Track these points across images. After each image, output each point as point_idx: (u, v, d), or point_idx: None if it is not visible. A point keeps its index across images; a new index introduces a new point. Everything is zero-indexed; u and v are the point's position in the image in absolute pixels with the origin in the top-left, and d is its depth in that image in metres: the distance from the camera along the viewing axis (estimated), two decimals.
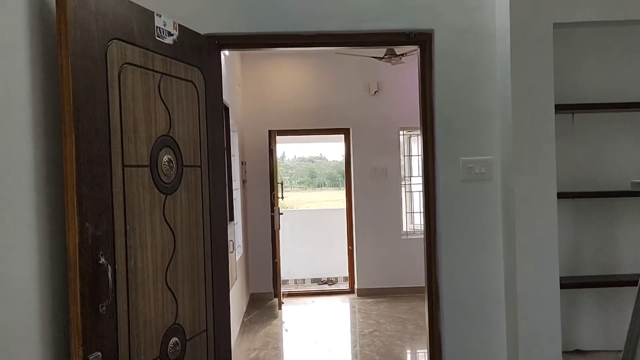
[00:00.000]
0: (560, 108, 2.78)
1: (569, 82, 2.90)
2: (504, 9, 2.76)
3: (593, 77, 2.91)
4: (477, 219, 2.89)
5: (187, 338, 2.46)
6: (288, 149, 17.10)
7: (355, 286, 7.29)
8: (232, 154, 5.61)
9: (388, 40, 2.95)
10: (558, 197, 2.76)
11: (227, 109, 5.35)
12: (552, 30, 2.71)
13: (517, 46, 2.71)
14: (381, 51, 6.08)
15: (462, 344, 2.90)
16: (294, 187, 17.86)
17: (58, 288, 1.92)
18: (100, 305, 1.93)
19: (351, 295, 7.34)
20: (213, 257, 2.70)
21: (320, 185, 17.85)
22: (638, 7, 2.69)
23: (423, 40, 2.92)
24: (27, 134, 1.79)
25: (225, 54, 5.55)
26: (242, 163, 6.77)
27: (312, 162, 18.17)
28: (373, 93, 7.13)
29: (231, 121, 5.60)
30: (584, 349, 2.94)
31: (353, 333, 6.11)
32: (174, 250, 2.39)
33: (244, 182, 6.84)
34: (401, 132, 7.24)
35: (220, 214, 2.78)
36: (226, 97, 5.32)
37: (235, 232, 5.65)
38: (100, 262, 1.93)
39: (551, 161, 2.73)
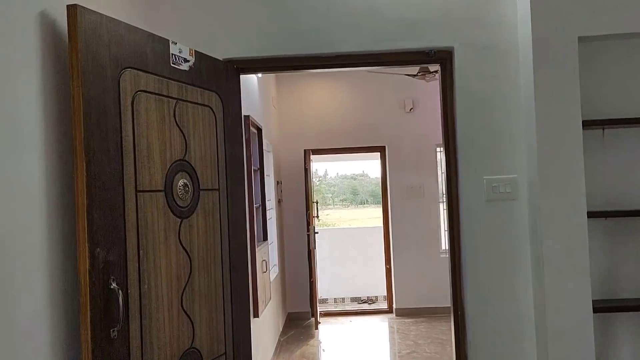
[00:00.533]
0: (589, 124, 2.67)
1: (599, 97, 2.77)
2: (525, 23, 2.69)
3: (624, 91, 2.78)
4: (503, 240, 2.79)
5: None
6: (330, 167, 17.14)
7: (394, 305, 7.18)
8: (266, 174, 5.65)
9: (408, 60, 2.91)
10: (589, 217, 2.64)
11: (260, 130, 5.41)
12: (577, 44, 2.62)
13: (540, 61, 2.63)
14: (414, 69, 6.03)
15: None
16: (336, 204, 17.84)
17: (70, 313, 1.95)
18: (111, 330, 1.95)
19: (389, 315, 7.23)
20: (232, 280, 2.70)
21: (362, 203, 17.77)
22: None
23: (443, 58, 2.87)
24: (40, 161, 1.84)
25: (258, 75, 5.63)
26: (278, 183, 6.81)
27: (355, 179, 18.13)
28: (408, 110, 7.07)
29: (265, 142, 5.65)
30: None
31: (391, 354, 6.00)
32: (190, 273, 2.40)
33: (279, 201, 6.86)
34: (438, 149, 7.13)
35: (240, 237, 2.79)
36: (259, 119, 5.38)
37: (270, 252, 5.66)
38: (112, 287, 1.96)
39: (580, 179, 2.61)
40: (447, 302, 6.96)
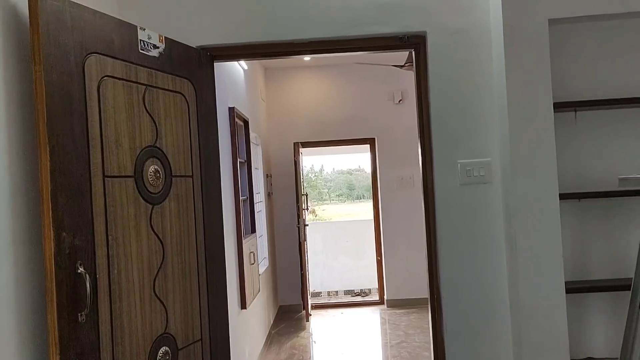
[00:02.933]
0: (561, 106, 2.68)
1: (571, 79, 2.78)
2: (496, 7, 2.69)
3: (596, 73, 2.78)
4: (477, 223, 2.81)
5: (179, 347, 2.47)
6: (326, 162, 17.11)
7: (385, 297, 7.19)
8: (254, 167, 5.66)
9: (382, 45, 2.91)
10: (561, 198, 2.65)
11: (246, 122, 5.41)
12: (548, 26, 2.62)
13: (511, 44, 2.63)
14: (402, 59, 6.03)
15: (465, 352, 2.80)
16: (333, 199, 17.82)
17: (37, 297, 1.96)
18: (79, 315, 1.96)
19: (381, 307, 7.25)
20: (208, 267, 2.71)
21: (359, 197, 17.73)
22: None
23: (417, 43, 2.88)
24: (3, 147, 1.85)
25: (244, 68, 5.63)
26: (267, 176, 6.82)
27: (351, 174, 18.09)
28: (397, 102, 7.07)
29: (252, 134, 5.65)
30: (595, 357, 2.79)
31: (381, 344, 6.02)
32: (162, 259, 2.41)
33: (269, 194, 6.87)
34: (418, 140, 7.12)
35: (216, 224, 2.80)
36: (245, 111, 5.38)
37: (259, 244, 5.67)
38: (79, 271, 1.97)
39: (552, 161, 2.62)
40: None
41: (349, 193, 18.00)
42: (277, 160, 7.15)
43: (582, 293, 2.78)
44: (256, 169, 5.85)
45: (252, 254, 5.09)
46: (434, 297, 2.89)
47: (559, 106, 2.67)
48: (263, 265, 5.97)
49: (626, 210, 2.82)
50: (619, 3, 2.58)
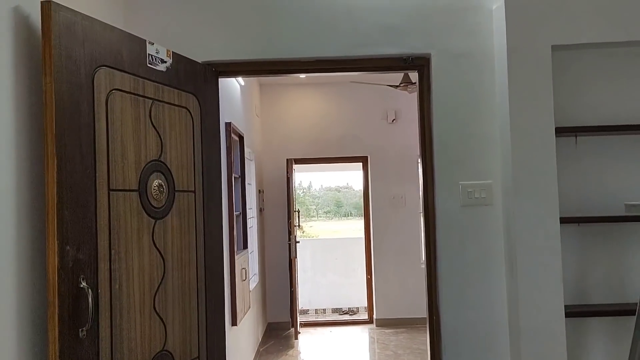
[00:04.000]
0: (562, 131, 2.71)
1: (572, 105, 2.82)
2: (501, 32, 2.73)
3: (597, 100, 2.83)
4: (477, 245, 2.81)
5: None
6: (315, 179, 17.12)
7: (374, 316, 7.16)
8: (247, 182, 5.64)
9: (386, 65, 2.93)
10: (561, 222, 2.67)
11: (241, 138, 5.41)
12: (551, 52, 2.67)
13: (515, 69, 2.67)
14: (397, 79, 6.08)
15: None
16: (320, 216, 17.80)
17: (38, 312, 1.93)
18: (80, 330, 1.92)
19: (370, 326, 7.21)
20: (207, 283, 2.68)
21: (346, 215, 17.73)
22: (637, 28, 2.63)
23: (421, 64, 2.91)
24: (11, 157, 1.82)
25: (241, 84, 5.64)
26: (260, 191, 6.80)
27: (339, 191, 18.11)
28: (391, 121, 7.12)
29: (247, 150, 5.65)
30: None
31: None
32: (163, 275, 2.38)
33: (261, 210, 6.85)
34: (419, 161, 7.16)
35: (216, 240, 2.77)
36: (241, 127, 5.38)
37: (250, 260, 5.64)
38: (82, 285, 1.94)
39: (553, 185, 2.65)
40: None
41: (337, 210, 18.00)
42: (270, 176, 7.14)
43: (582, 317, 2.78)
44: (249, 184, 5.84)
45: (243, 270, 5.05)
46: (432, 318, 2.89)
47: (560, 131, 2.70)
48: (253, 281, 5.93)
49: (626, 236, 2.84)
50: (621, 31, 2.64)
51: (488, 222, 2.82)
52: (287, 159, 6.83)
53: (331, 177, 17.17)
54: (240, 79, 5.44)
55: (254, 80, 6.57)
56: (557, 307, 2.63)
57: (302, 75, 6.68)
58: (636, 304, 2.71)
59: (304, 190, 16.84)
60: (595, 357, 2.82)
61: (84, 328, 1.93)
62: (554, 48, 2.67)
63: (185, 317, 2.51)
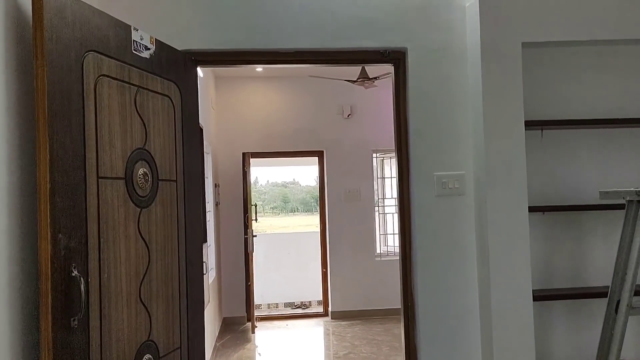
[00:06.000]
0: (530, 124, 2.86)
1: (539, 100, 2.98)
2: (474, 28, 2.85)
3: (562, 95, 3.00)
4: (451, 233, 2.92)
5: (161, 355, 2.41)
6: (261, 174, 17.08)
7: (330, 309, 7.25)
8: (205, 175, 5.58)
9: (363, 58, 3.00)
10: (529, 211, 2.82)
11: (201, 131, 5.34)
12: (521, 49, 2.80)
13: (488, 64, 2.79)
14: (354, 75, 6.17)
15: (438, 358, 2.90)
16: (266, 212, 17.78)
17: (29, 301, 1.87)
18: (72, 319, 1.88)
19: (325, 318, 7.30)
20: (188, 273, 2.66)
21: (293, 211, 17.81)
22: (601, 28, 2.80)
23: (397, 58, 2.98)
24: (1, 142, 1.76)
25: (200, 76, 5.57)
26: (216, 185, 6.74)
27: (285, 187, 18.16)
28: (346, 116, 7.21)
29: (205, 143, 5.58)
30: None
31: (327, 356, 6.05)
32: (148, 264, 2.35)
33: (217, 204, 6.79)
34: (374, 155, 7.32)
35: (196, 230, 2.76)
36: (201, 119, 5.32)
37: (208, 254, 5.59)
38: (73, 274, 1.89)
39: (522, 176, 2.79)
40: (383, 304, 7.11)
41: (283, 206, 18.05)
42: (225, 170, 7.10)
43: (548, 300, 2.94)
44: (207, 178, 5.78)
45: (204, 264, 5.01)
46: (407, 305, 2.98)
47: (527, 124, 2.85)
48: (211, 275, 5.88)
49: (586, 224, 3.03)
50: (585, 31, 2.80)
51: (461, 211, 2.94)
52: (243, 153, 6.81)
53: (278, 173, 17.19)
54: (199, 71, 5.37)
55: (210, 72, 6.50)
56: (525, 291, 2.78)
57: (259, 69, 6.68)
58: (597, 287, 2.91)
59: (250, 184, 16.76)
60: (560, 338, 3.00)
61: (76, 317, 1.89)
62: (524, 45, 2.81)
63: (168, 307, 2.49)
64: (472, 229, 2.93)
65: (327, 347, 6.36)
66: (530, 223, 2.86)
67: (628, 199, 2.26)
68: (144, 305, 2.31)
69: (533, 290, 2.80)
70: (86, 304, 1.95)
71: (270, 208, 18.13)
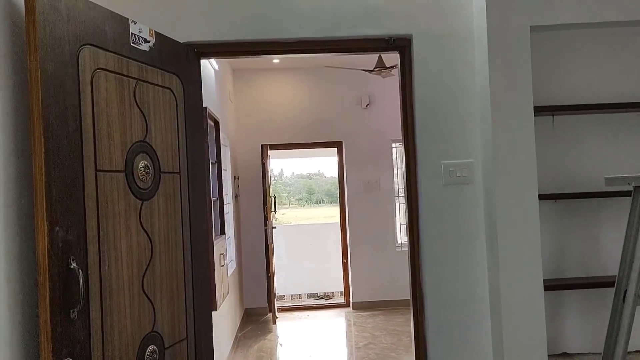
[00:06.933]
0: (540, 110, 2.79)
1: (550, 85, 2.90)
2: (481, 12, 2.78)
3: (573, 79, 2.91)
4: (459, 223, 2.88)
5: (166, 346, 2.43)
6: (286, 166, 17.11)
7: (351, 299, 7.25)
8: (223, 168, 5.61)
9: (368, 47, 2.95)
10: (540, 199, 2.75)
11: (217, 123, 5.37)
12: (530, 33, 2.73)
13: (494, 49, 2.72)
14: (371, 64, 6.11)
15: (447, 349, 2.86)
16: (292, 204, 17.83)
17: (28, 294, 1.90)
18: (71, 311, 1.90)
19: (346, 309, 7.30)
20: (194, 265, 2.68)
21: (318, 202, 17.81)
22: (613, 10, 2.70)
23: (402, 45, 2.93)
24: None
25: (215, 68, 5.58)
26: (235, 177, 6.77)
27: (310, 178, 18.16)
28: (365, 106, 7.16)
29: (222, 135, 5.61)
30: (570, 352, 2.91)
31: (348, 346, 6.06)
32: (151, 256, 2.37)
33: (236, 196, 6.83)
34: (394, 145, 7.25)
35: (201, 221, 2.77)
36: (216, 112, 5.34)
37: (227, 246, 5.62)
38: (72, 266, 1.91)
39: (531, 163, 2.72)
40: (403, 295, 7.07)
41: (309, 197, 18.06)
42: (245, 162, 7.13)
43: (559, 290, 2.88)
44: (225, 170, 5.81)
45: (222, 256, 5.04)
46: (416, 295, 2.94)
47: (537, 110, 2.77)
48: (231, 267, 5.92)
49: (599, 211, 2.94)
50: (595, 13, 2.71)
51: (469, 200, 2.88)
52: (262, 145, 6.82)
53: (303, 164, 17.20)
54: (214, 63, 5.40)
55: (227, 64, 6.52)
56: (536, 281, 2.71)
57: (276, 60, 6.68)
58: (610, 276, 2.83)
59: (276, 177, 16.82)
60: (573, 328, 2.93)
61: (75, 309, 1.91)
62: (533, 28, 2.73)
63: (172, 299, 2.50)
64: (481, 218, 2.88)
65: (347, 338, 6.36)
66: (541, 211, 2.79)
67: (634, 184, 2.18)
68: (147, 296, 2.33)
69: (544, 280, 2.74)
70: (86, 295, 1.97)
71: (296, 200, 18.17)
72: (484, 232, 2.88)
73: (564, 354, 2.89)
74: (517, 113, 2.73)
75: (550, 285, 2.78)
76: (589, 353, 2.86)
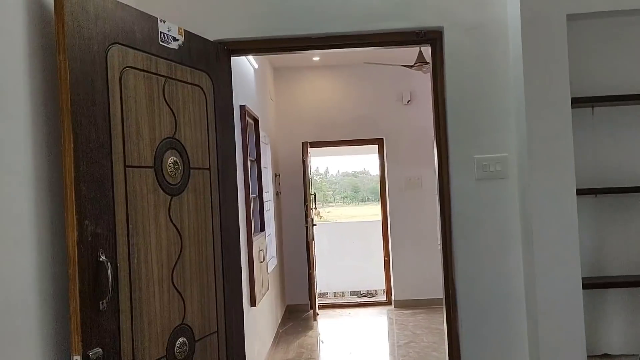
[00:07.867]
0: (578, 101, 2.68)
1: (589, 75, 2.78)
2: (514, 2, 2.70)
3: (613, 68, 2.78)
4: (493, 219, 2.80)
5: (196, 339, 2.48)
6: (331, 164, 17.10)
7: (392, 297, 7.19)
8: (263, 165, 5.67)
9: (398, 40, 2.91)
10: (578, 194, 2.65)
11: (256, 121, 5.43)
12: (566, 21, 2.63)
13: (529, 40, 2.64)
14: (412, 59, 6.04)
15: (481, 347, 2.80)
16: (337, 202, 17.81)
17: (60, 285, 1.97)
18: (100, 302, 1.96)
19: (388, 307, 7.25)
20: (224, 259, 2.71)
21: (364, 200, 17.72)
22: None
23: (433, 38, 2.88)
24: (27, 135, 1.86)
25: (254, 66, 5.65)
26: (276, 175, 6.83)
27: (356, 176, 18.09)
28: (406, 102, 7.08)
29: (262, 133, 5.67)
30: (612, 353, 2.78)
31: (389, 344, 6.02)
32: (180, 251, 2.41)
33: (277, 194, 6.88)
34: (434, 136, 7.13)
35: (232, 218, 2.80)
36: (256, 110, 5.40)
37: (267, 243, 5.68)
38: (101, 259, 1.97)
39: (569, 156, 2.62)
40: None
41: (354, 195, 17.99)
42: (285, 159, 7.17)
43: (599, 289, 2.76)
44: (265, 167, 5.87)
45: (261, 252, 5.10)
46: (449, 293, 2.89)
47: (576, 101, 2.67)
48: (271, 264, 5.98)
49: None
50: (634, 0, 2.59)
51: (503, 195, 2.81)
52: (302, 142, 6.85)
53: (348, 162, 17.14)
54: (254, 62, 5.46)
55: (267, 63, 6.58)
56: (574, 279, 2.62)
57: (316, 58, 6.70)
58: None
59: (321, 175, 16.85)
60: (611, 328, 2.81)
61: (104, 300, 1.97)
62: (569, 17, 2.63)
63: (203, 293, 2.54)
64: (516, 214, 2.79)
65: (388, 336, 6.32)
66: (580, 207, 2.69)
67: None
68: (177, 290, 2.38)
69: (583, 278, 2.64)
70: (115, 287, 2.03)
71: (341, 197, 18.14)
72: (519, 228, 2.79)
73: (605, 355, 2.77)
74: (554, 105, 2.63)
75: (590, 284, 2.67)
76: (632, 354, 2.74)
